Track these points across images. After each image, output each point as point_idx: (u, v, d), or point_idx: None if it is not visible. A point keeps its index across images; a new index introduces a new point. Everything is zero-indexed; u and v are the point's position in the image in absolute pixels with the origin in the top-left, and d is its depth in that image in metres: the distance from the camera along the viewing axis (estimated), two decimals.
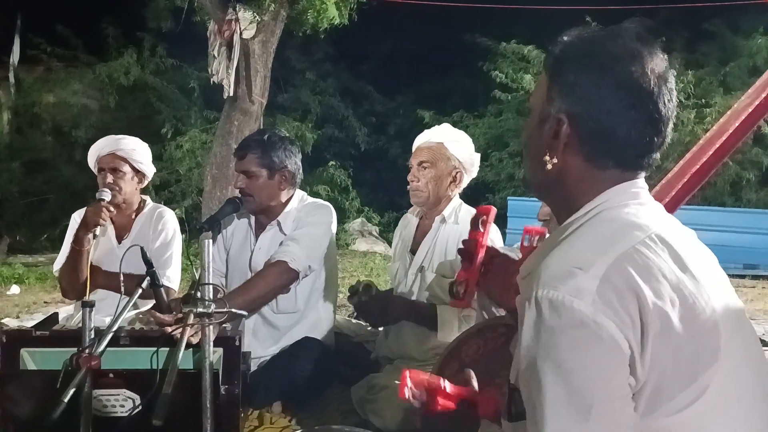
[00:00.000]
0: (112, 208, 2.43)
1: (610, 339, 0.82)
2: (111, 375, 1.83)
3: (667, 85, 0.96)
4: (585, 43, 0.99)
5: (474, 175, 2.57)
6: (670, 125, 0.98)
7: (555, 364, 0.83)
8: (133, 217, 2.65)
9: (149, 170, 2.66)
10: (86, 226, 2.38)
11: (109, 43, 10.86)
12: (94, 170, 2.61)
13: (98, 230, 2.38)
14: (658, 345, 0.83)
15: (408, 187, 2.51)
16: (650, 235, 0.90)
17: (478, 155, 2.56)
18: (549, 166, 0.99)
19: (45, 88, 10.43)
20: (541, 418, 0.83)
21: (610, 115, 0.94)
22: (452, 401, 1.27)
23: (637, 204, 0.96)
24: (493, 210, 1.65)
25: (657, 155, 1.00)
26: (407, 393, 1.29)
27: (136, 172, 2.61)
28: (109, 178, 2.53)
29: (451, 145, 2.45)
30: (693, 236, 1.01)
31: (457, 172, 2.47)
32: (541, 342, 0.85)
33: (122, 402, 1.85)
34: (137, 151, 2.60)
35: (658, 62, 0.96)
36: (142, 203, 2.70)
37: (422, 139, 2.52)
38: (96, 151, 2.60)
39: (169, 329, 1.77)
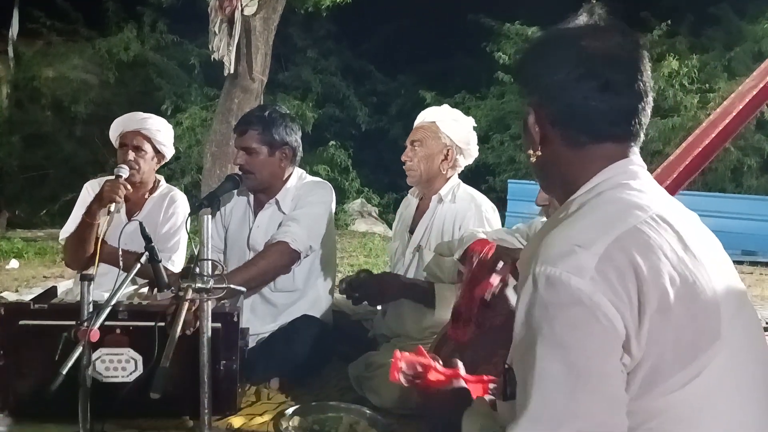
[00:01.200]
0: (129, 186, 2.42)
1: (606, 318, 0.82)
2: (118, 331, 1.84)
3: (622, 51, 0.97)
4: (534, 40, 1.07)
5: (473, 155, 2.56)
6: (639, 84, 0.97)
7: (549, 340, 0.83)
8: (146, 196, 2.65)
9: (169, 152, 2.67)
10: (101, 200, 2.36)
11: (109, 17, 10.74)
12: (115, 144, 2.60)
13: (113, 206, 2.36)
14: (657, 323, 0.83)
15: (404, 166, 2.53)
16: (651, 215, 0.90)
17: (476, 136, 2.55)
18: (533, 159, 1.04)
19: (44, 62, 10.33)
20: (530, 391, 0.84)
21: (564, 91, 0.97)
22: (443, 377, 1.28)
23: (638, 184, 0.96)
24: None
25: (636, 124, 0.98)
26: (398, 375, 1.31)
27: (157, 152, 2.60)
28: (131, 156, 2.52)
29: (443, 124, 2.45)
30: (696, 219, 1.01)
31: (448, 150, 2.47)
32: (536, 318, 0.85)
33: (125, 363, 1.86)
34: (162, 132, 2.59)
35: (606, 35, 0.97)
36: (156, 182, 2.69)
37: (419, 119, 2.55)
38: (120, 125, 2.58)
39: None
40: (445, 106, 2.58)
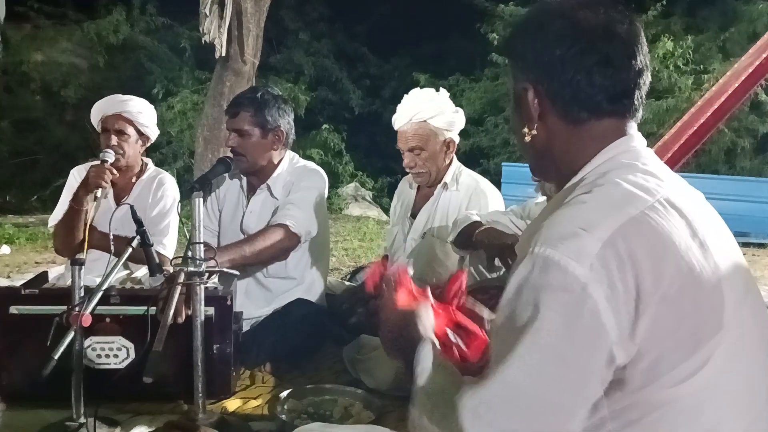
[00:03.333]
0: (115, 171, 2.38)
1: (593, 312, 0.79)
2: (108, 319, 1.83)
3: (619, 25, 0.95)
4: (525, 15, 1.03)
5: (461, 126, 2.55)
6: (639, 57, 0.96)
7: (533, 324, 0.81)
8: (134, 180, 2.61)
9: (153, 133, 2.62)
10: (87, 186, 2.33)
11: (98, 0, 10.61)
12: (98, 129, 2.55)
13: (99, 192, 2.32)
14: (659, 314, 0.81)
15: (408, 171, 2.50)
16: (659, 200, 0.87)
17: (458, 110, 2.53)
18: (528, 138, 0.99)
19: (33, 46, 10.20)
20: (501, 367, 0.82)
21: (564, 67, 0.94)
22: (411, 294, 1.20)
23: (643, 165, 0.94)
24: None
25: (636, 99, 0.97)
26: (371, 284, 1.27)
27: (141, 134, 2.56)
28: (114, 141, 2.47)
29: (434, 120, 2.43)
30: (701, 198, 0.99)
31: (449, 142, 2.46)
32: (524, 298, 0.83)
33: (116, 351, 1.86)
34: (144, 114, 2.54)
35: (600, 9, 0.95)
36: (144, 166, 2.65)
37: (402, 120, 2.48)
38: (101, 110, 2.53)
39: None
40: (418, 95, 2.52)
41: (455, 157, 2.57)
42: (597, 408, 0.84)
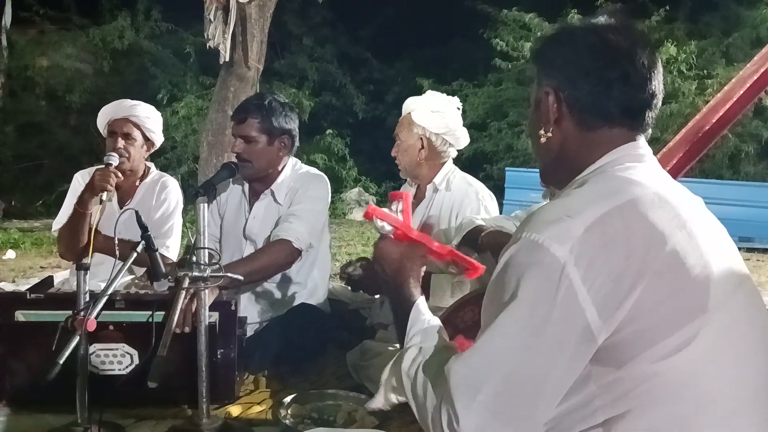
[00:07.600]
0: (119, 174, 2.40)
1: (568, 291, 0.85)
2: (111, 327, 1.84)
3: (642, 45, 1.04)
4: (559, 28, 1.14)
5: (460, 139, 2.53)
6: (655, 83, 1.04)
7: (513, 297, 0.88)
8: (137, 183, 2.62)
9: (159, 139, 2.64)
10: (93, 189, 2.33)
11: (102, 5, 10.67)
12: (104, 132, 2.57)
13: (105, 195, 2.32)
14: (639, 294, 0.86)
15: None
16: (649, 193, 0.93)
17: (459, 120, 2.52)
18: (543, 140, 1.07)
19: (38, 51, 10.27)
20: (484, 336, 0.90)
21: (588, 77, 1.02)
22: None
23: (642, 166, 1.00)
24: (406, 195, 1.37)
25: (648, 113, 1.04)
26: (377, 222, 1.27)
27: (146, 140, 2.58)
28: (120, 143, 2.49)
29: (417, 113, 2.44)
30: (700, 203, 1.04)
31: (421, 137, 2.45)
32: (508, 275, 0.90)
33: (120, 358, 1.86)
34: (151, 119, 2.57)
35: (627, 33, 1.04)
36: (147, 170, 2.66)
37: (403, 110, 2.54)
38: (109, 113, 2.55)
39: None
40: (427, 93, 2.57)
41: (449, 162, 2.56)
42: (585, 384, 0.90)
